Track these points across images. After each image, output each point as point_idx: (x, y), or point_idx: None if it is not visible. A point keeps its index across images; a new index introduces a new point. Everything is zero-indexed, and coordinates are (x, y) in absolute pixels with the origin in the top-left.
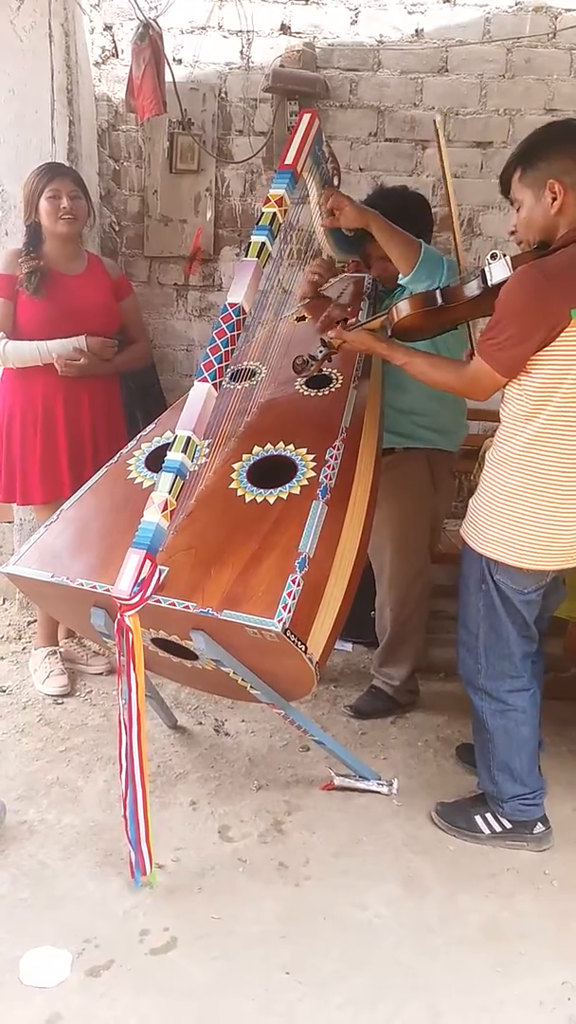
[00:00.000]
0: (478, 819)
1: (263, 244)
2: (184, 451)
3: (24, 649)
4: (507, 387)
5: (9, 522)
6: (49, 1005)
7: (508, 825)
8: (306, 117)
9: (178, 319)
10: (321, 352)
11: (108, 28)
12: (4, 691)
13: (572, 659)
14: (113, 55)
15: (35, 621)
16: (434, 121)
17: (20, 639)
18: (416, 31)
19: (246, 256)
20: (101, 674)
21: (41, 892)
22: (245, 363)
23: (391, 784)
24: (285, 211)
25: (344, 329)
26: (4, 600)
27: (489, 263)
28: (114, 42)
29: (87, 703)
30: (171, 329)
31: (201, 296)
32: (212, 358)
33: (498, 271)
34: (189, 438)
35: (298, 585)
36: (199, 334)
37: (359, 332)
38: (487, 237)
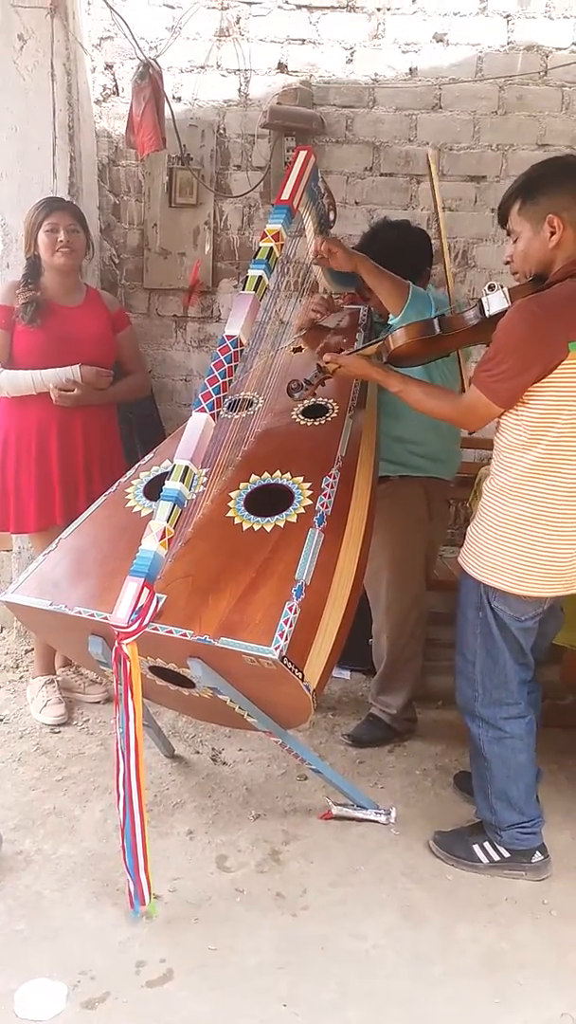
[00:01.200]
0: (476, 848)
1: (260, 278)
2: (182, 480)
3: (21, 678)
4: (503, 417)
5: (8, 551)
6: None
7: (506, 854)
8: (302, 154)
9: (177, 350)
10: (316, 377)
11: (109, 67)
12: (1, 720)
13: (569, 687)
14: (114, 93)
15: (32, 650)
16: (426, 154)
17: (17, 668)
18: (410, 69)
19: (244, 289)
20: (98, 703)
21: (37, 923)
22: (243, 393)
23: (389, 813)
24: (282, 245)
25: (339, 355)
26: (2, 629)
27: (487, 294)
28: (115, 80)
29: (84, 732)
30: (170, 360)
31: (200, 327)
32: (210, 389)
33: (495, 302)
34: (187, 467)
35: (295, 613)
36: (197, 364)
37: (354, 357)
38: (481, 269)
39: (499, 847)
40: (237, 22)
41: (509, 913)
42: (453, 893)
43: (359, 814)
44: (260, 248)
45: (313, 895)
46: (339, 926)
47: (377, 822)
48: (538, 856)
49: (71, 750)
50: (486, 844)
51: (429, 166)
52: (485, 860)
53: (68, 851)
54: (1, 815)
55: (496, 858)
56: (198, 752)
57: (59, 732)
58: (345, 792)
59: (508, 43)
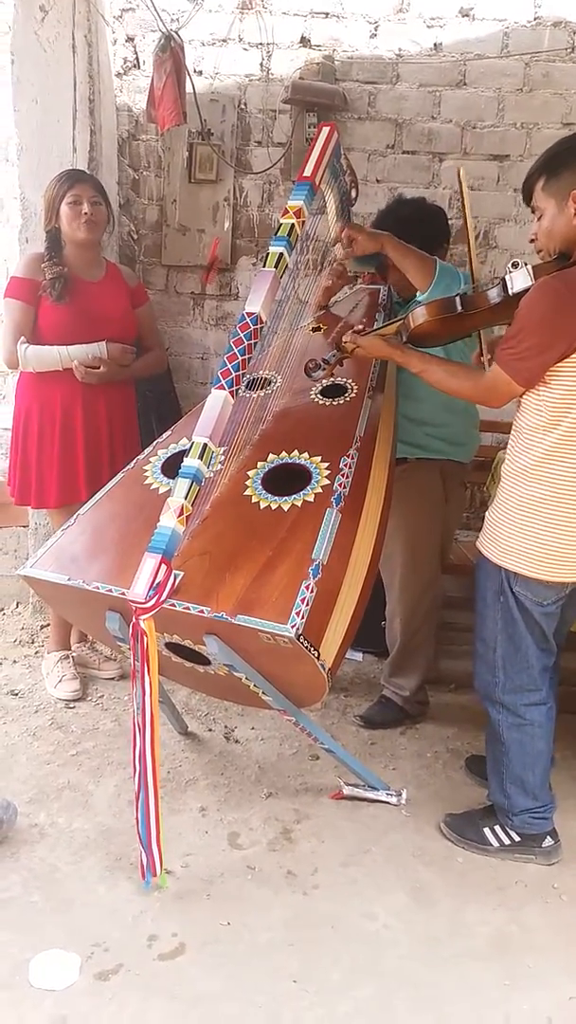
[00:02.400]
0: (487, 831)
1: (281, 254)
2: (200, 457)
3: (37, 653)
4: (524, 397)
5: (24, 526)
6: (57, 1008)
7: (517, 838)
8: (325, 130)
9: (194, 328)
10: (334, 356)
11: (130, 40)
12: (16, 695)
13: None
14: (135, 66)
15: (48, 625)
16: (457, 170)
17: (33, 643)
18: (435, 45)
19: (264, 266)
20: (113, 679)
21: (51, 895)
22: (261, 372)
23: (400, 794)
24: (303, 222)
25: (358, 334)
26: (18, 604)
27: (510, 271)
28: (136, 53)
29: (99, 708)
30: (187, 337)
31: (218, 305)
32: (229, 366)
33: (519, 280)
34: (205, 444)
35: (311, 592)
36: (215, 343)
37: (374, 337)
38: (503, 249)
39: (510, 831)
40: None
41: (519, 896)
42: (463, 875)
43: (370, 795)
44: (281, 225)
45: (324, 874)
46: (350, 906)
47: (388, 803)
48: (549, 841)
49: (85, 725)
50: (497, 828)
51: (460, 183)
52: (496, 843)
53: (82, 825)
54: (16, 788)
55: (507, 842)
56: (211, 730)
57: (74, 707)
58: (357, 772)
59: (535, 18)
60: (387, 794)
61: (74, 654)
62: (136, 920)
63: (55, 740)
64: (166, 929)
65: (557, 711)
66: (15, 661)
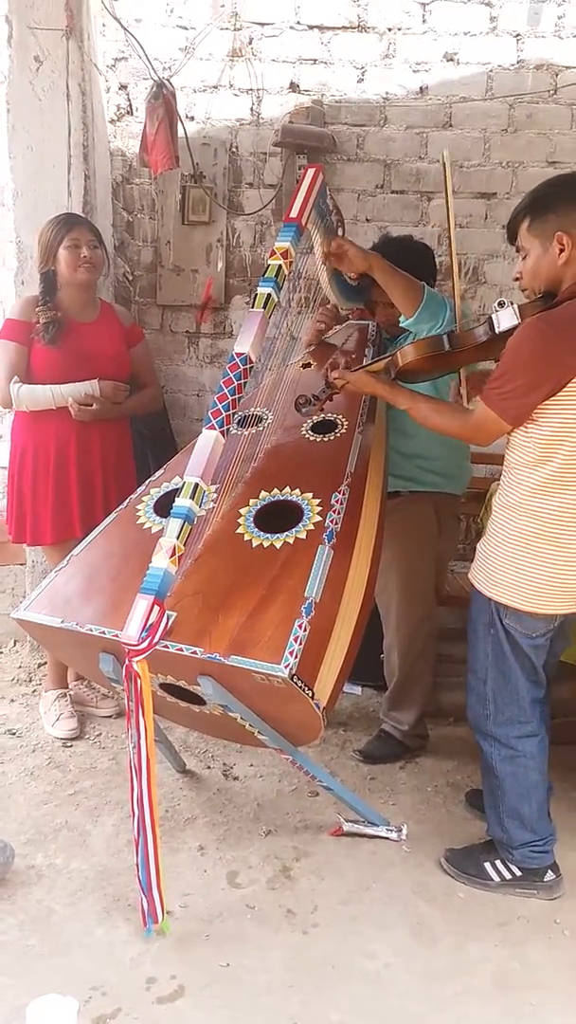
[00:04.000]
0: (488, 866)
1: (269, 295)
2: (192, 497)
3: (34, 692)
4: (513, 434)
5: (21, 564)
6: None
7: (518, 873)
8: (310, 172)
9: (189, 365)
10: (324, 392)
11: (123, 87)
12: (14, 734)
13: None
14: (128, 112)
15: (45, 663)
16: (442, 155)
17: (31, 681)
18: (421, 88)
19: (253, 307)
20: (110, 717)
21: (48, 938)
22: (252, 409)
23: (400, 830)
24: (291, 263)
25: (347, 371)
26: (15, 642)
27: (496, 310)
28: (129, 100)
29: (96, 746)
30: (182, 375)
31: (212, 343)
32: (219, 406)
33: (505, 319)
34: (197, 484)
35: (304, 630)
36: (209, 380)
37: (362, 373)
38: (492, 285)
39: (511, 865)
40: (250, 43)
41: (521, 932)
42: (464, 911)
43: (370, 831)
44: (269, 266)
45: (324, 912)
46: (350, 945)
47: (388, 839)
48: (550, 875)
49: (83, 764)
50: (497, 862)
51: (444, 168)
52: (497, 878)
53: (79, 866)
54: (13, 829)
55: (508, 876)
56: (209, 767)
57: (71, 746)
58: (356, 809)
59: (518, 62)
60: (387, 830)
61: (71, 692)
62: (134, 962)
63: (53, 779)
64: (165, 971)
65: (555, 742)
66: (12, 700)
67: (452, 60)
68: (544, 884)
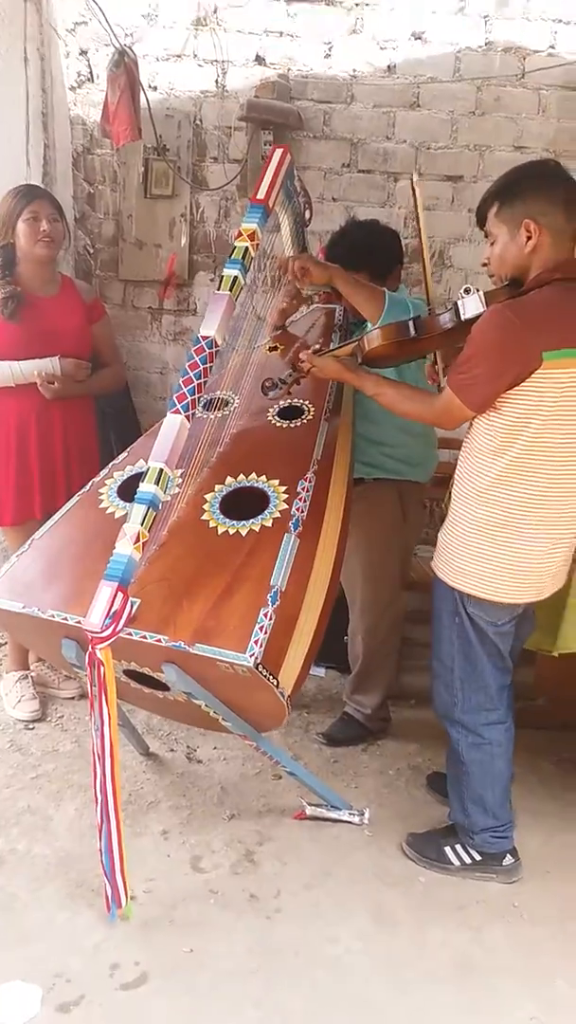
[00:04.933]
0: (448, 851)
1: (235, 278)
2: (157, 483)
3: None
4: (475, 421)
5: None
6: None
7: (478, 857)
8: (278, 152)
9: (152, 342)
10: (290, 376)
11: (84, 53)
12: None
13: (542, 688)
14: (88, 79)
15: (5, 644)
16: (411, 179)
17: None
18: (388, 66)
19: (219, 289)
20: (73, 698)
21: (11, 925)
22: (218, 392)
23: (363, 814)
24: (257, 245)
25: (314, 355)
26: None
27: (462, 297)
28: (89, 67)
29: (58, 728)
30: (145, 352)
31: (175, 320)
32: (185, 390)
33: (471, 306)
34: (162, 470)
35: (270, 619)
36: (173, 357)
37: (328, 358)
38: (458, 269)
39: (471, 850)
40: (215, 12)
41: (480, 916)
42: (425, 896)
43: (333, 815)
44: (235, 247)
45: (287, 897)
46: (313, 929)
47: (351, 823)
48: (509, 859)
49: (45, 747)
50: (458, 847)
51: (414, 192)
52: (457, 863)
53: (42, 850)
54: None
55: (468, 861)
56: (172, 750)
57: (33, 728)
58: (320, 793)
59: (486, 43)
60: (349, 814)
61: (33, 674)
62: (98, 949)
63: (14, 763)
64: (128, 958)
65: (516, 726)
66: None
67: (420, 39)
68: (503, 868)
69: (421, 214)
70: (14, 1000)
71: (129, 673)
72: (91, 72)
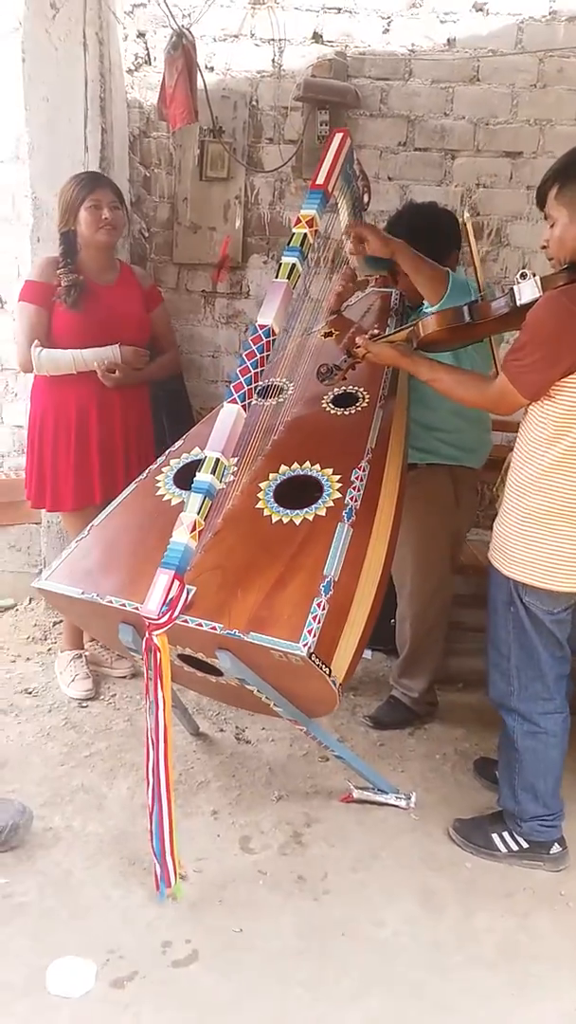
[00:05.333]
0: (495, 837)
1: (294, 265)
2: (213, 472)
3: (50, 650)
4: (528, 409)
5: (37, 523)
6: (74, 1016)
7: (525, 845)
8: (337, 136)
9: (205, 326)
10: (346, 362)
11: (141, 35)
12: (31, 693)
13: None
14: (146, 62)
15: (61, 621)
16: (462, 220)
17: (46, 639)
18: (448, 40)
19: (276, 276)
20: (125, 677)
21: (67, 901)
22: (273, 379)
23: (409, 798)
24: (316, 231)
25: (370, 340)
26: (31, 600)
27: (518, 282)
28: (147, 49)
29: (111, 707)
30: (198, 335)
31: (229, 303)
32: (242, 379)
33: (527, 291)
34: (218, 459)
35: (323, 609)
36: (225, 340)
37: (384, 344)
38: (515, 247)
39: (518, 837)
40: None
41: (526, 903)
42: (472, 882)
43: (380, 798)
44: (294, 235)
45: (334, 879)
46: (359, 912)
47: (397, 807)
48: (557, 848)
49: (99, 725)
50: (505, 834)
51: (466, 229)
52: (504, 849)
53: (96, 828)
54: (31, 791)
55: (515, 848)
56: (222, 730)
57: (87, 707)
58: (367, 777)
59: (550, 13)
60: (396, 798)
61: (87, 653)
62: (150, 926)
63: (69, 741)
64: (180, 935)
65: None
66: (28, 659)
67: (481, 10)
68: (550, 856)
69: (474, 249)
70: (70, 974)
71: (183, 657)
72: (148, 54)
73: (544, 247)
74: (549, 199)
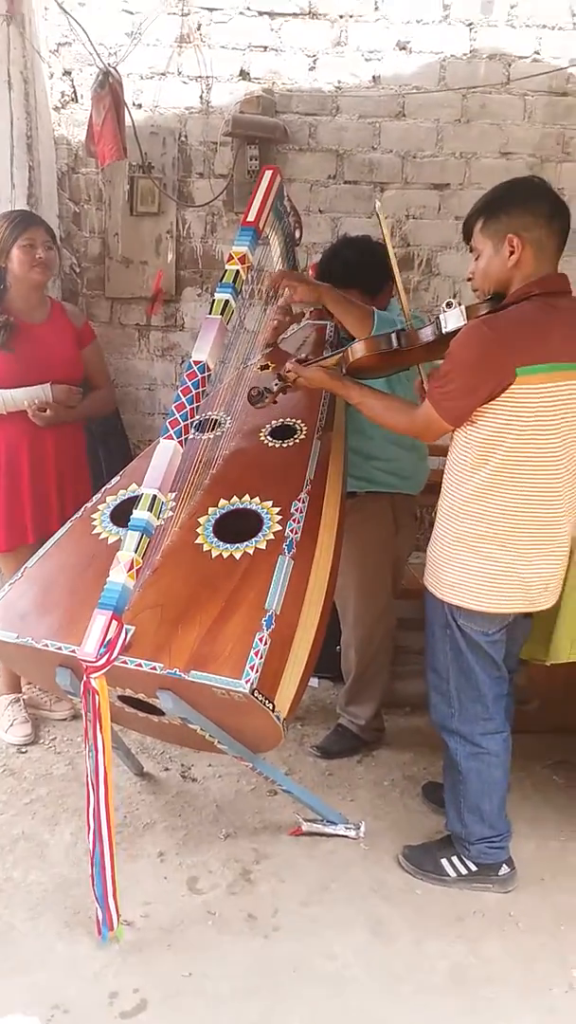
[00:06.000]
0: (444, 862)
1: (227, 301)
2: (150, 509)
3: None
4: (455, 435)
5: None
6: None
7: (474, 868)
8: (267, 174)
9: (140, 359)
10: (277, 385)
11: (67, 73)
12: None
13: (536, 691)
14: (73, 99)
15: None
16: (374, 206)
17: None
18: (373, 77)
19: (210, 312)
20: (65, 719)
21: (9, 955)
22: (211, 413)
23: (358, 827)
24: (248, 268)
25: (300, 364)
26: None
27: (444, 311)
28: (73, 87)
29: (51, 751)
30: (133, 369)
31: (163, 336)
32: (178, 415)
33: (452, 319)
34: (155, 496)
35: (265, 644)
36: (161, 373)
37: (315, 368)
38: (445, 276)
39: (467, 861)
40: (198, 28)
41: (477, 927)
42: (422, 908)
43: (329, 829)
44: (226, 271)
45: (284, 915)
46: (310, 946)
47: (347, 837)
48: (505, 869)
49: (39, 771)
50: (454, 858)
51: (378, 217)
52: (453, 874)
53: (38, 878)
54: None
55: (464, 872)
56: (167, 769)
57: (26, 752)
58: (315, 809)
59: (471, 51)
60: (345, 828)
61: (25, 696)
62: (97, 976)
63: (8, 787)
64: (127, 984)
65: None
66: None
67: (405, 49)
68: (499, 878)
69: (388, 240)
70: None
71: (124, 699)
72: (75, 92)
73: (469, 279)
74: (475, 232)
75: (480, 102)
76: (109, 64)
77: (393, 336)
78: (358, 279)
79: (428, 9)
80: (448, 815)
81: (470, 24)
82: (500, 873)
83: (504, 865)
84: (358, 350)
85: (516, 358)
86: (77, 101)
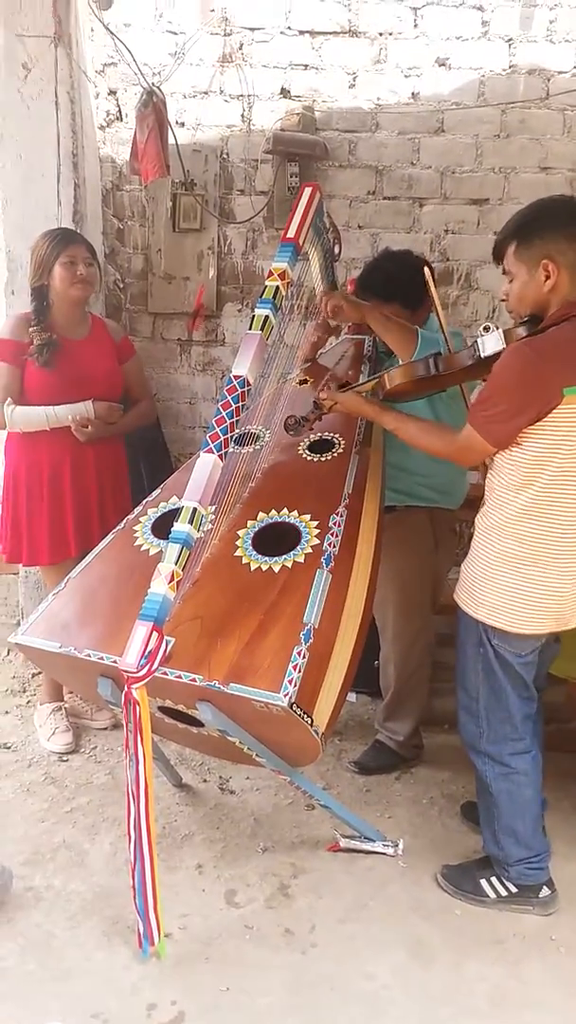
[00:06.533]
0: (483, 883)
1: (267, 317)
2: (191, 522)
3: (28, 703)
4: (497, 456)
5: (14, 574)
6: None
7: (514, 889)
8: (307, 191)
9: (181, 373)
10: (313, 412)
11: (112, 93)
12: (9, 748)
13: (574, 709)
14: (117, 118)
15: (39, 674)
16: (424, 271)
17: (24, 692)
18: (412, 94)
19: (251, 328)
20: (106, 729)
21: (48, 964)
22: (250, 427)
23: (396, 845)
24: (288, 284)
25: (336, 391)
26: (8, 652)
27: (482, 335)
28: (118, 106)
29: (92, 760)
30: (174, 383)
31: (204, 351)
32: (218, 429)
33: (490, 344)
34: (195, 509)
35: (303, 657)
36: (202, 387)
37: (350, 395)
38: (484, 291)
39: (506, 882)
40: (240, 48)
41: (517, 950)
42: (461, 929)
43: (367, 846)
44: (266, 287)
45: (322, 932)
46: (348, 965)
47: (385, 854)
48: (545, 891)
49: (79, 779)
50: (493, 879)
51: (427, 283)
52: (492, 895)
53: (78, 887)
54: (12, 849)
55: (504, 893)
56: (205, 780)
57: (67, 760)
58: (353, 825)
59: (510, 67)
60: (383, 845)
61: (66, 705)
62: (135, 988)
63: (49, 796)
64: (165, 997)
65: (547, 749)
66: (7, 712)
67: (444, 65)
68: (539, 900)
69: (437, 301)
70: None
71: (163, 709)
72: (120, 111)
73: (503, 300)
74: (508, 255)
75: (519, 117)
76: (153, 84)
77: (431, 361)
78: (398, 293)
79: (467, 25)
80: (484, 837)
81: (509, 40)
82: (541, 895)
83: (544, 887)
84: (395, 377)
85: (562, 379)
86: (122, 120)
